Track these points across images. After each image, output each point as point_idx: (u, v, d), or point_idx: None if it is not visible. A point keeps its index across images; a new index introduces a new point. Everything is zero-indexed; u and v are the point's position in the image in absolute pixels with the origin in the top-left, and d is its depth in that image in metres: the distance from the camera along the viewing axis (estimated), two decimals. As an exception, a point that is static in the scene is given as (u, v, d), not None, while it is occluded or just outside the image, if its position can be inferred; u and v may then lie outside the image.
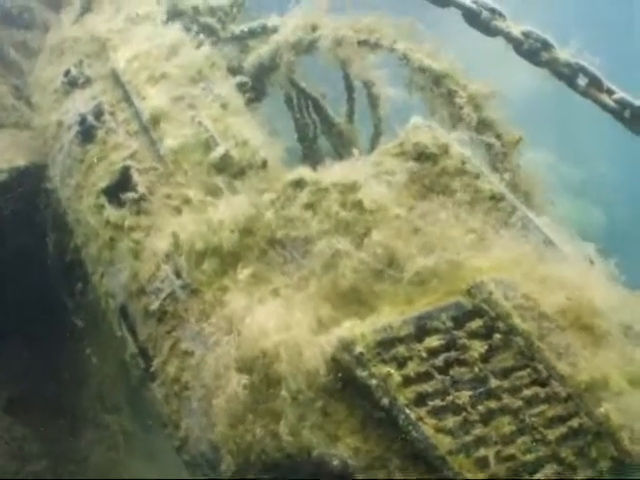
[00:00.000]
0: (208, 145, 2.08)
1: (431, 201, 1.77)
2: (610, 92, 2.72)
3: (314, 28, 2.81)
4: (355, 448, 1.52)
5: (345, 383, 1.51)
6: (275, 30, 3.11)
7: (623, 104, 2.62)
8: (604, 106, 2.65)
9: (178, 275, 1.84)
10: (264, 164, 1.99)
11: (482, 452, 1.44)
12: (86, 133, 2.38)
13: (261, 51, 2.95)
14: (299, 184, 1.89)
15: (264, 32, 3.21)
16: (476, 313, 1.54)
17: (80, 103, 2.59)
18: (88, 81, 2.66)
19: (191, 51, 2.51)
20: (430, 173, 1.81)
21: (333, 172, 1.90)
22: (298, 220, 1.82)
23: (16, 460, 3.23)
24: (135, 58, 2.59)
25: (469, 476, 1.41)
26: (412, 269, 1.59)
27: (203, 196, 1.97)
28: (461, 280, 1.60)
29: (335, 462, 1.52)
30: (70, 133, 2.51)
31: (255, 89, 2.96)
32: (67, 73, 2.74)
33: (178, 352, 1.80)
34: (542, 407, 1.48)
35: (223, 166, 2.00)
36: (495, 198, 1.77)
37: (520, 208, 1.77)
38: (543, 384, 1.49)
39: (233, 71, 3.00)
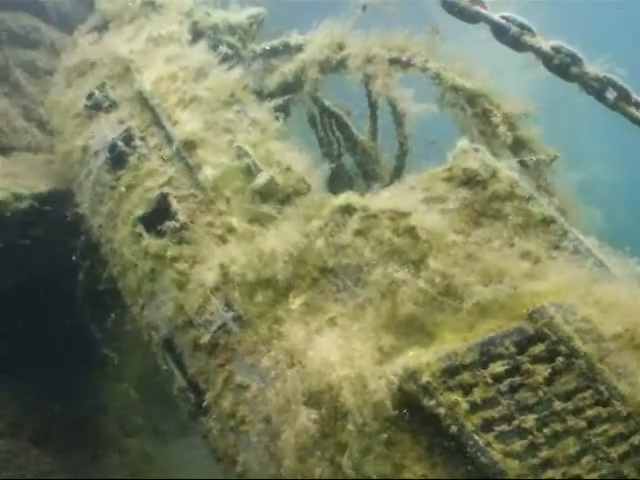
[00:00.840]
0: (249, 171, 2.08)
1: (484, 226, 1.79)
2: (638, 105, 2.77)
3: (341, 47, 2.84)
4: (422, 475, 1.53)
5: (412, 413, 1.52)
6: (298, 48, 3.14)
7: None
8: (633, 119, 2.68)
9: (229, 307, 1.84)
10: (309, 190, 2.00)
11: (549, 474, 1.47)
12: (117, 159, 2.38)
13: (286, 70, 2.97)
14: (347, 210, 1.90)
15: (287, 50, 3.24)
16: (538, 338, 1.57)
17: (106, 127, 2.59)
18: (113, 104, 2.67)
19: (221, 73, 2.52)
20: (481, 198, 1.83)
21: (381, 197, 1.92)
22: (349, 247, 1.83)
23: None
24: (162, 80, 2.60)
25: None
26: (472, 297, 1.61)
27: (247, 224, 1.98)
28: (521, 306, 1.62)
29: None
30: (99, 159, 2.51)
31: (281, 106, 2.99)
32: (90, 96, 2.75)
33: (232, 386, 1.80)
34: (604, 426, 1.53)
35: (267, 193, 2.01)
36: (546, 221, 1.80)
37: (571, 231, 1.79)
38: (605, 404, 1.54)
39: (255, 90, 3.05)
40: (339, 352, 1.59)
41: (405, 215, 1.85)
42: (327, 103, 3.21)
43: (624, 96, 2.74)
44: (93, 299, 3.04)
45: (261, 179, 2.02)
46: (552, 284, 1.68)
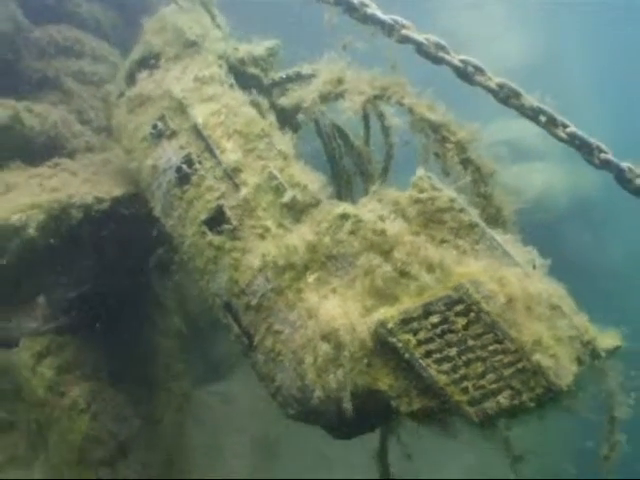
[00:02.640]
0: (278, 189, 3.17)
1: (431, 229, 2.86)
2: (564, 126, 3.79)
3: (340, 81, 3.86)
4: (389, 385, 2.62)
5: (382, 346, 2.62)
6: (308, 76, 4.19)
7: (573, 137, 3.68)
8: (559, 138, 3.70)
9: (268, 281, 2.96)
10: (318, 203, 3.10)
11: (464, 384, 2.55)
12: (182, 178, 3.46)
13: (297, 98, 4.00)
14: (344, 217, 2.99)
15: (299, 78, 4.29)
16: (459, 301, 2.55)
17: (170, 152, 3.65)
18: (173, 133, 3.72)
19: (253, 112, 3.57)
20: (430, 210, 2.89)
21: (366, 208, 3.00)
22: (345, 242, 2.93)
23: (117, 421, 4.40)
24: (210, 115, 3.62)
25: (456, 398, 2.52)
26: (420, 276, 2.69)
27: (278, 227, 3.08)
28: (450, 281, 2.69)
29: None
30: (167, 176, 3.58)
31: (294, 125, 4.07)
32: (155, 126, 3.80)
33: (271, 331, 2.92)
34: (500, 356, 2.43)
35: (291, 206, 3.11)
36: (471, 226, 2.85)
37: (488, 232, 2.85)
38: (500, 342, 2.46)
39: (275, 109, 4.11)
40: (339, 309, 2.69)
41: (380, 220, 2.93)
42: (330, 119, 4.28)
43: (552, 120, 3.75)
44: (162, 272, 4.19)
45: (287, 197, 3.11)
46: (471, 268, 2.66)
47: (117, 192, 4.09)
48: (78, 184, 4.16)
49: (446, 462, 9.68)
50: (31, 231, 3.78)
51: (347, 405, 2.63)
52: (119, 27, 6.94)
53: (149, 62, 4.37)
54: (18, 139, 4.77)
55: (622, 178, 3.55)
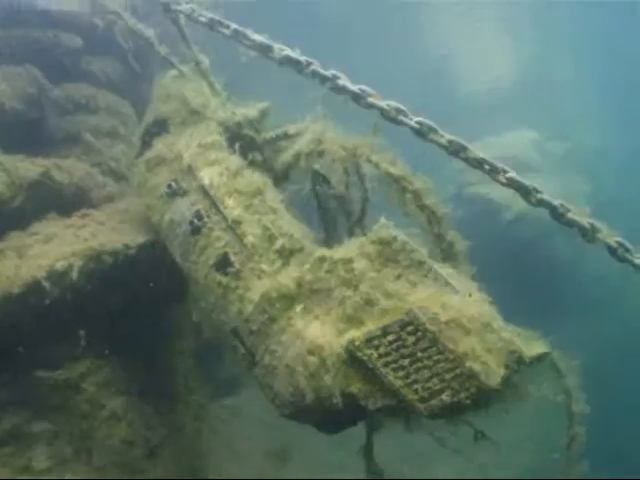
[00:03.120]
0: (270, 238, 4.08)
1: (389, 267, 3.74)
2: (505, 172, 4.64)
3: (320, 142, 4.74)
4: (359, 388, 3.46)
5: (352, 360, 3.47)
6: (293, 135, 5.09)
7: (512, 181, 4.53)
8: (500, 183, 4.54)
9: (265, 312, 3.86)
10: (302, 249, 4.00)
11: (415, 386, 3.26)
12: (194, 230, 4.36)
13: (286, 155, 4.89)
14: (322, 259, 3.87)
15: (286, 136, 5.19)
16: (409, 323, 3.14)
17: (183, 207, 4.53)
18: (185, 192, 4.61)
19: (250, 174, 4.47)
20: (388, 251, 3.77)
21: (339, 251, 3.88)
22: (324, 279, 3.82)
23: (147, 429, 5.30)
24: (215, 177, 4.52)
25: (409, 397, 3.36)
26: (379, 304, 3.56)
27: (272, 268, 3.99)
28: (403, 308, 3.53)
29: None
30: (182, 227, 4.48)
31: (285, 176, 4.97)
32: (169, 186, 4.70)
33: (268, 351, 3.82)
34: (442, 364, 3.03)
35: (281, 251, 4.01)
36: (421, 263, 3.72)
37: (434, 267, 3.71)
38: (442, 353, 3.04)
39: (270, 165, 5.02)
40: (320, 332, 3.59)
41: (350, 261, 3.81)
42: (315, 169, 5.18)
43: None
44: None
45: (277, 244, 4.01)
46: (419, 296, 3.28)
47: (141, 240, 5.00)
48: (107, 233, 5.07)
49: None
50: (74, 275, 4.68)
51: (337, 400, 3.43)
52: (126, 80, 7.87)
53: (159, 126, 5.27)
54: (50, 193, 5.65)
55: (556, 214, 4.27)
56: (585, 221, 4.32)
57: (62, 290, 4.72)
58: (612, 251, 4.30)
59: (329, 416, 3.69)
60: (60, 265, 4.68)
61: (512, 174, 4.44)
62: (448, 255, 4.30)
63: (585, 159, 17.64)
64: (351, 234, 5.08)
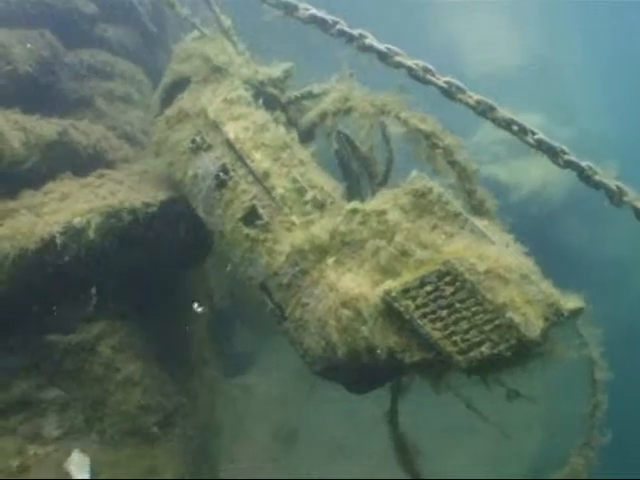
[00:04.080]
0: (300, 191, 4.00)
1: (424, 218, 3.67)
2: (533, 133, 4.57)
3: (347, 99, 4.68)
4: (395, 341, 3.39)
5: (389, 310, 3.40)
6: (319, 94, 5.02)
7: (540, 142, 4.46)
8: (528, 144, 4.48)
9: (296, 264, 3.79)
10: (333, 201, 3.93)
11: (454, 338, 3.25)
12: (220, 183, 4.29)
13: (312, 114, 4.83)
14: (354, 211, 3.80)
15: (311, 96, 5.12)
16: (447, 273, 3.10)
17: (208, 162, 4.46)
18: (209, 147, 4.54)
19: (277, 128, 4.40)
20: (423, 203, 3.71)
21: (372, 203, 3.81)
22: (356, 231, 3.75)
23: (163, 395, 5.23)
24: (240, 131, 4.45)
25: (448, 349, 3.30)
26: (417, 254, 3.49)
27: (302, 220, 3.91)
28: (441, 257, 3.49)
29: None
30: (206, 182, 4.41)
31: (309, 136, 4.90)
32: (193, 141, 4.63)
33: (300, 304, 3.75)
34: (481, 315, 2.98)
35: (312, 204, 3.93)
36: (456, 214, 3.65)
37: (470, 219, 3.65)
38: (480, 304, 3.00)
39: (294, 125, 4.94)
40: (354, 283, 3.51)
41: (383, 212, 3.75)
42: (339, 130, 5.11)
43: (522, 129, 4.52)
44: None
45: (308, 196, 3.95)
46: (456, 247, 3.26)
47: (162, 197, 4.92)
48: (126, 191, 4.99)
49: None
50: (90, 232, 4.60)
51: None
52: (141, 48, 7.79)
53: (180, 85, 5.20)
54: (67, 153, 5.58)
55: (583, 176, 4.31)
56: (613, 183, 4.28)
57: (79, 247, 4.63)
58: (639, 214, 4.26)
59: (362, 373, 3.62)
60: (77, 221, 4.60)
61: (540, 135, 4.43)
62: (478, 212, 4.22)
63: (590, 145, 17.63)
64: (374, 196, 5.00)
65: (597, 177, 4.25)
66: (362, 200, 4.04)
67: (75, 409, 5.09)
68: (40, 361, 4.97)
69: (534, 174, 15.69)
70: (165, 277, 5.37)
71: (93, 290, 5.08)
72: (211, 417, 6.29)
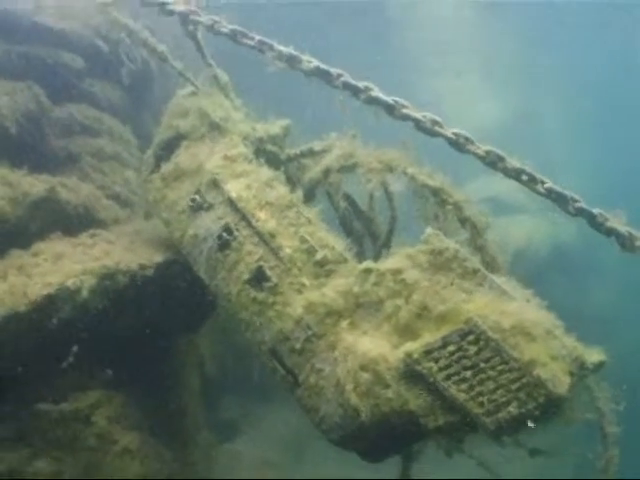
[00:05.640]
0: (309, 251, 3.90)
1: (441, 276, 3.59)
2: (543, 182, 4.56)
3: (351, 156, 4.63)
4: (418, 405, 3.26)
5: (411, 373, 3.28)
6: (319, 152, 4.97)
7: (550, 191, 4.44)
8: (539, 193, 4.47)
9: (309, 328, 3.66)
10: (346, 260, 3.83)
11: (480, 399, 3.18)
12: (223, 244, 4.17)
13: (314, 171, 4.77)
14: (367, 271, 3.71)
15: (311, 153, 5.08)
16: (470, 332, 3.10)
17: (209, 222, 4.34)
18: (210, 206, 4.44)
19: (281, 186, 4.32)
20: (439, 260, 3.63)
21: (386, 263, 3.72)
22: (370, 292, 3.64)
23: (160, 464, 5.00)
24: (243, 190, 4.35)
25: (475, 410, 3.18)
26: (438, 313, 3.39)
27: (313, 282, 3.80)
28: (461, 317, 3.37)
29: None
30: (208, 243, 4.28)
31: (310, 195, 4.82)
32: (193, 200, 4.52)
33: (314, 370, 3.61)
34: (507, 374, 2.97)
35: (322, 264, 3.83)
36: (474, 271, 3.58)
37: (489, 275, 3.58)
38: (506, 363, 2.99)
39: (294, 183, 4.87)
40: (372, 346, 3.39)
41: (399, 271, 3.66)
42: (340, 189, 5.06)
43: (532, 179, 4.52)
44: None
45: (319, 256, 3.84)
46: (477, 304, 3.22)
47: (158, 259, 4.78)
48: (120, 252, 4.85)
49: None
50: (85, 293, 4.43)
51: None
52: (127, 105, 7.75)
53: (176, 142, 5.11)
54: (55, 211, 5.43)
55: (594, 223, 4.27)
56: (624, 229, 4.27)
57: (72, 310, 4.46)
58: (651, 258, 4.26)
59: (381, 439, 3.47)
60: (71, 283, 4.44)
61: (550, 184, 4.44)
62: (491, 268, 4.16)
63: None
64: (378, 257, 4.91)
65: (609, 224, 4.23)
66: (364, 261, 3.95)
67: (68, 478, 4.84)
68: (30, 431, 4.73)
69: (518, 233, 15.82)
70: (160, 343, 5.18)
71: (74, 348, 4.83)
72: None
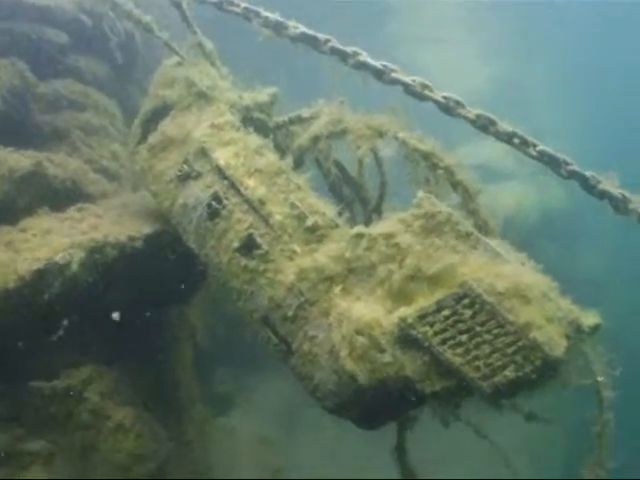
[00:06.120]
0: (300, 217, 3.80)
1: (434, 240, 3.49)
2: (535, 145, 4.46)
3: (340, 122, 4.51)
4: (413, 370, 3.19)
5: (405, 337, 3.20)
6: (307, 119, 4.85)
7: (543, 154, 4.35)
8: (531, 156, 4.37)
9: (302, 294, 3.57)
10: (337, 226, 3.73)
11: (476, 363, 3.10)
12: (213, 213, 4.06)
13: (303, 138, 4.65)
14: (359, 236, 3.61)
15: (300, 120, 4.95)
16: (465, 295, 3.00)
17: (198, 190, 4.23)
18: (199, 175, 4.32)
19: (270, 153, 4.20)
20: (431, 224, 3.53)
21: (378, 227, 3.62)
22: (363, 257, 3.55)
23: (156, 442, 4.92)
24: (231, 157, 4.24)
25: (471, 375, 3.10)
26: (432, 277, 3.30)
27: (304, 248, 3.70)
28: (457, 279, 3.29)
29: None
30: (197, 212, 4.18)
31: (299, 162, 4.71)
32: (181, 169, 4.39)
33: (308, 337, 3.52)
34: (503, 338, 2.90)
35: (313, 230, 3.73)
36: (468, 234, 3.49)
37: (482, 238, 3.49)
38: (502, 326, 2.92)
39: (282, 150, 4.75)
40: (367, 311, 3.30)
41: (392, 236, 3.56)
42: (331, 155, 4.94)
43: (524, 141, 4.42)
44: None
45: (309, 222, 3.74)
46: (471, 267, 3.15)
47: (147, 230, 4.67)
48: (108, 225, 4.73)
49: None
50: (74, 267, 4.31)
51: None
52: (112, 80, 7.58)
53: (163, 112, 4.98)
54: (42, 186, 5.29)
55: (587, 185, 4.19)
56: (617, 192, 4.19)
57: (62, 285, 4.34)
58: (645, 221, 4.20)
59: (376, 405, 3.40)
60: (60, 257, 4.32)
61: (542, 147, 4.35)
62: (484, 231, 4.06)
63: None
64: (368, 223, 4.81)
65: (601, 186, 4.14)
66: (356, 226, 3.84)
67: (63, 459, 4.76)
68: (23, 410, 4.65)
69: (507, 200, 15.73)
70: (150, 316, 5.09)
71: (65, 322, 4.73)
72: (203, 462, 5.96)
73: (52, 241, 4.52)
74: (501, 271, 3.13)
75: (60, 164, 5.49)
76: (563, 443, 12.19)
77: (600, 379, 4.00)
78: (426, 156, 4.16)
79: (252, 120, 4.84)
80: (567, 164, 4.26)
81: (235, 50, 5.69)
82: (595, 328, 3.32)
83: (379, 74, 4.35)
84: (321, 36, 4.52)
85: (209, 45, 5.26)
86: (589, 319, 3.24)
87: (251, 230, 3.88)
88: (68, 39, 6.94)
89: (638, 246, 14.49)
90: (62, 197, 5.41)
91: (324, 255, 3.61)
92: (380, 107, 4.49)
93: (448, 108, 4.35)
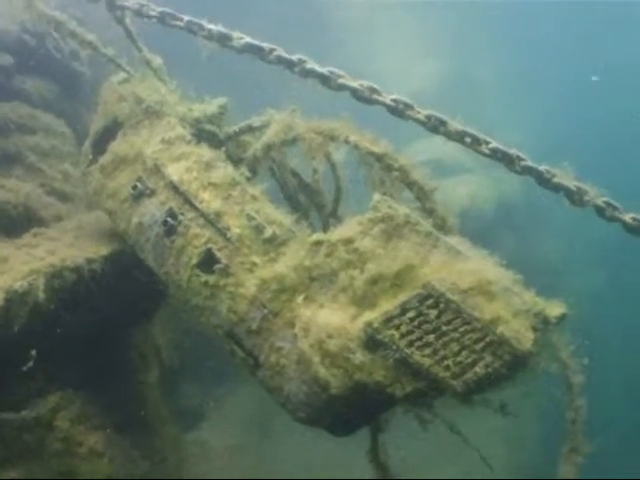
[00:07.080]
0: (257, 228, 3.69)
1: (394, 242, 3.42)
2: (487, 143, 4.42)
3: (291, 128, 4.41)
4: (383, 375, 3.11)
5: (371, 342, 3.11)
6: (258, 128, 4.73)
7: (495, 151, 4.31)
8: (483, 154, 4.33)
9: (264, 307, 3.46)
10: (294, 236, 3.63)
11: (445, 362, 3.02)
12: (169, 230, 3.93)
13: (255, 148, 4.53)
14: (318, 243, 3.51)
15: (251, 130, 4.83)
16: (429, 296, 2.96)
17: (153, 208, 4.09)
18: (152, 192, 4.18)
19: (223, 165, 4.07)
20: (390, 227, 3.45)
21: (337, 233, 3.53)
22: (323, 264, 3.45)
23: (130, 463, 4.77)
24: (184, 172, 4.10)
25: (441, 374, 3.03)
26: (394, 280, 3.22)
27: (263, 259, 3.59)
28: (419, 280, 3.22)
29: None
30: (153, 230, 4.03)
31: (252, 172, 4.59)
32: (135, 187, 4.25)
33: (274, 349, 3.42)
34: (470, 335, 2.87)
35: (271, 240, 3.62)
36: (428, 234, 3.42)
37: (442, 237, 3.42)
38: (468, 323, 2.89)
39: (234, 161, 4.62)
40: (332, 317, 3.20)
41: (351, 241, 3.47)
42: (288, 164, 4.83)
43: (476, 140, 4.36)
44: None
45: (267, 233, 3.63)
46: (433, 266, 3.13)
47: (104, 251, 4.51)
48: (65, 249, 4.55)
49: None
50: (40, 295, 4.13)
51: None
52: (59, 99, 7.35)
53: (113, 130, 4.82)
54: (-5, 213, 5.10)
55: (542, 180, 4.16)
56: (572, 184, 4.17)
57: (29, 314, 4.16)
58: (601, 212, 4.18)
59: (348, 412, 3.31)
60: (19, 285, 4.13)
61: (495, 144, 4.31)
62: (441, 230, 4.00)
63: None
64: (326, 227, 4.72)
65: (556, 180, 4.12)
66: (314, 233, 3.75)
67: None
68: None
69: (461, 193, 15.77)
70: (113, 337, 4.92)
71: (33, 352, 4.53)
72: (178, 477, 5.81)
73: (9, 269, 4.33)
74: (463, 268, 3.09)
75: (11, 189, 5.28)
76: (537, 423, 12.29)
77: (569, 365, 3.98)
78: (379, 158, 4.08)
79: (204, 132, 4.71)
80: (520, 160, 4.22)
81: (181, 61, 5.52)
82: (561, 318, 3.30)
83: (325, 80, 4.26)
84: (266, 45, 4.43)
85: (157, 59, 5.12)
86: (554, 310, 3.21)
87: (209, 245, 3.76)
88: (12, 61, 6.69)
89: (593, 232, 14.67)
90: (16, 223, 5.21)
91: (284, 265, 3.51)
92: (331, 113, 4.41)
93: (398, 111, 4.28)
